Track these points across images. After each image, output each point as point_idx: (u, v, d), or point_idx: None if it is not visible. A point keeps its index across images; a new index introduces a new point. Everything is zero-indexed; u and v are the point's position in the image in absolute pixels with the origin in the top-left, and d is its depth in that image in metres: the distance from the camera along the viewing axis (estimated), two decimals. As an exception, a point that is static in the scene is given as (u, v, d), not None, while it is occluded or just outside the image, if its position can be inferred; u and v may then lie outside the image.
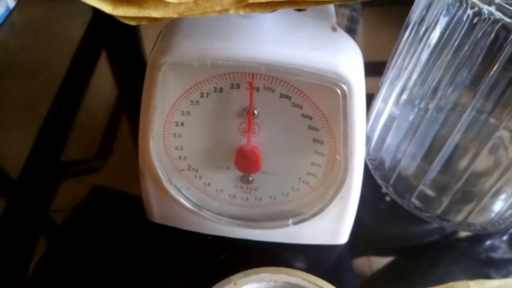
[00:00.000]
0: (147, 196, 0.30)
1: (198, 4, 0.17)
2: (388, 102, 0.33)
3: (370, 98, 0.25)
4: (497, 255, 0.32)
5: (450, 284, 0.29)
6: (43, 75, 0.45)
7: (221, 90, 0.24)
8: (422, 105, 0.32)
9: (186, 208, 0.29)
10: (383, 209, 0.35)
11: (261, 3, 0.18)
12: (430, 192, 0.33)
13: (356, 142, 0.24)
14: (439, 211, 0.32)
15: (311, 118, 0.24)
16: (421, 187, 0.32)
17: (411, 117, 0.32)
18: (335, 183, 0.26)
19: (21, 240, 0.32)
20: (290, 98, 0.24)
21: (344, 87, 0.22)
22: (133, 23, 0.17)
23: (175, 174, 0.28)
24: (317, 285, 0.22)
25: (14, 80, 0.45)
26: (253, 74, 0.23)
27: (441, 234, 0.33)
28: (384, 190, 0.35)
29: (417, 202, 0.33)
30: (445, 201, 0.31)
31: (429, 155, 0.31)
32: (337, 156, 0.25)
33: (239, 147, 0.26)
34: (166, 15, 0.17)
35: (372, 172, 0.35)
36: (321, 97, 0.23)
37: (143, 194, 0.30)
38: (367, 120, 0.35)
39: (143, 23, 0.17)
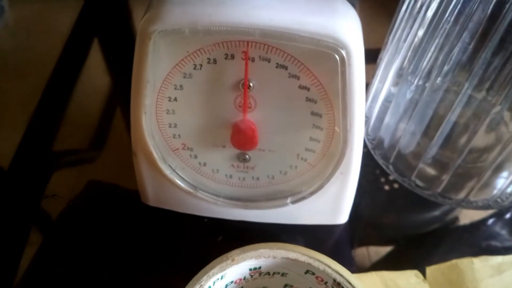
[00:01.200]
0: (141, 177, 0.29)
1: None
2: (385, 82, 0.32)
3: (366, 81, 0.25)
4: (498, 240, 0.31)
5: (454, 261, 0.28)
6: (36, 73, 0.44)
7: (214, 61, 0.23)
8: (420, 83, 0.31)
9: (181, 189, 0.28)
10: (384, 189, 0.34)
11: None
12: (430, 170, 0.32)
13: (355, 112, 0.23)
14: (440, 189, 0.31)
15: (308, 89, 0.23)
16: (421, 165, 0.31)
17: (409, 95, 0.31)
18: (334, 158, 0.26)
19: (14, 230, 0.31)
20: (286, 68, 0.23)
21: (343, 52, 0.21)
22: None
23: (169, 153, 0.27)
24: (317, 259, 0.21)
25: (8, 78, 0.44)
26: (247, 42, 0.22)
27: (443, 214, 0.33)
28: (384, 170, 0.34)
29: (418, 181, 0.32)
30: (446, 179, 0.31)
31: (428, 133, 0.31)
32: (336, 128, 0.24)
33: (234, 123, 0.25)
34: None
35: (372, 151, 0.34)
36: (318, 65, 0.22)
37: (136, 175, 0.29)
38: (365, 101, 0.35)
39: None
